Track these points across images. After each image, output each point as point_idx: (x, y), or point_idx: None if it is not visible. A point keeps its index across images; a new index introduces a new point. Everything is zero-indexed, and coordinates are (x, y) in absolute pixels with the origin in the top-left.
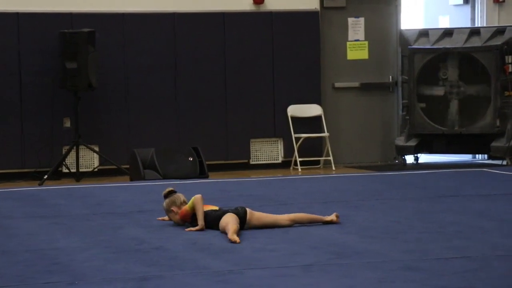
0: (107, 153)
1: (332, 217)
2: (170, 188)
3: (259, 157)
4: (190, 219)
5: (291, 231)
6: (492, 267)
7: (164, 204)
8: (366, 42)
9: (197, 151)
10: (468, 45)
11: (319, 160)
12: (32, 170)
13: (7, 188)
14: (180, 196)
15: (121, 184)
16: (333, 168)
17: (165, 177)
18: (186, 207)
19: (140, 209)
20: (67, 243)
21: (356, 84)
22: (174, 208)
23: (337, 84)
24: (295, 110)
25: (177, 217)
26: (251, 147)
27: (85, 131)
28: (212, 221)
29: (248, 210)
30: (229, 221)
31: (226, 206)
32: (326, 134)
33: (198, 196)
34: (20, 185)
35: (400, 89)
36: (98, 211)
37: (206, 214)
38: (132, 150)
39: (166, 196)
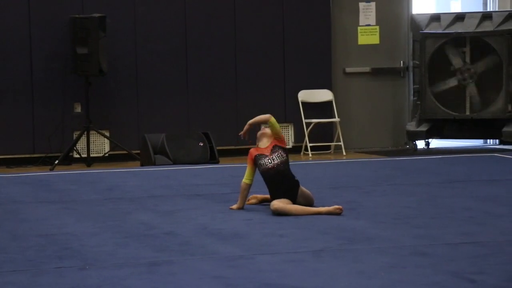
0: (118, 138)
1: (330, 208)
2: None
3: None
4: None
5: (302, 217)
6: (503, 253)
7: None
8: (377, 27)
9: (208, 136)
10: (480, 29)
11: (329, 146)
12: (43, 155)
13: (18, 173)
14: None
15: (132, 169)
16: (344, 153)
17: (175, 162)
18: (248, 162)
19: (151, 194)
20: (78, 228)
21: (367, 69)
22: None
23: (348, 69)
24: (306, 95)
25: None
26: None
27: (96, 116)
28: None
29: None
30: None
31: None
32: (336, 119)
33: (243, 184)
34: (30, 170)
35: (411, 74)
36: (108, 196)
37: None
38: (143, 135)
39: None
